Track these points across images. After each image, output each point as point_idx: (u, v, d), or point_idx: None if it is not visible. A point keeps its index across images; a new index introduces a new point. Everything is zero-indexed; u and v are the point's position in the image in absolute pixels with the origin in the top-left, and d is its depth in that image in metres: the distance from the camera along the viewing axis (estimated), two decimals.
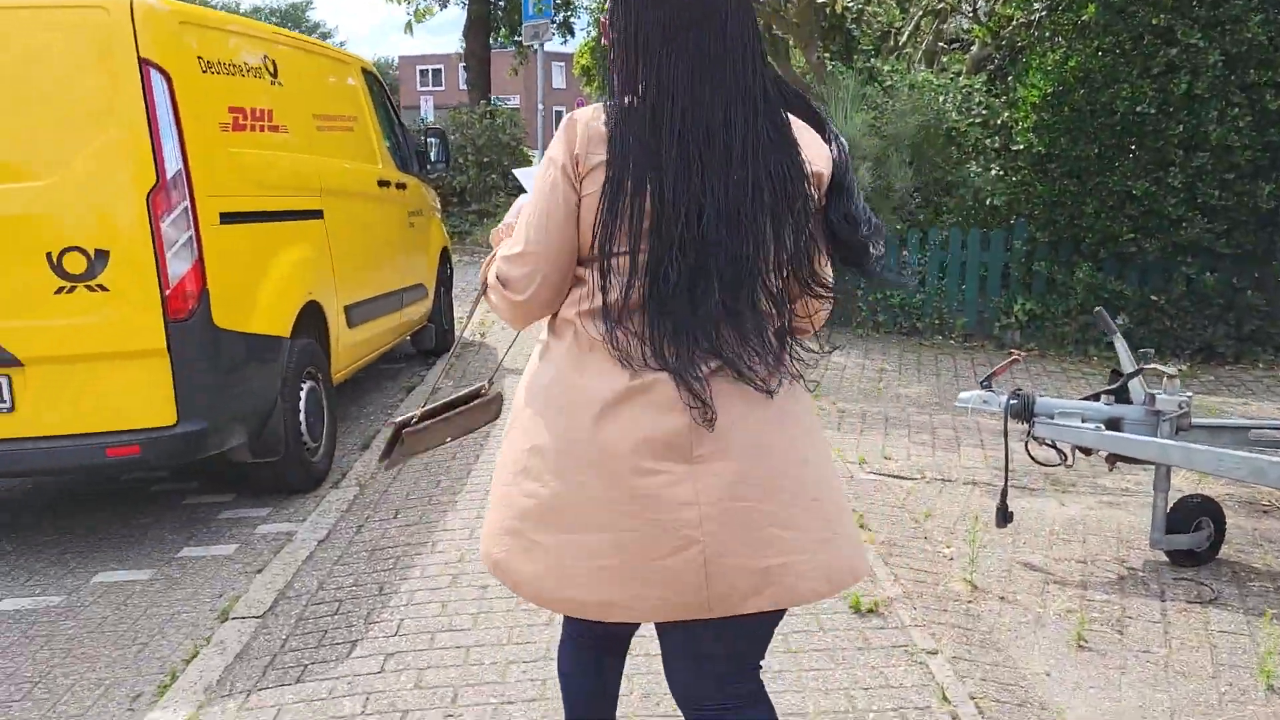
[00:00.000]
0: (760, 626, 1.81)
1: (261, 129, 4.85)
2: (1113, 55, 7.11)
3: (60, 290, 4.00)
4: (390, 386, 7.15)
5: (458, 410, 2.33)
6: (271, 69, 5.09)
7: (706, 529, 1.65)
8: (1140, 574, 3.84)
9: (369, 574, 3.89)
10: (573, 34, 22.89)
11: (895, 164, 7.55)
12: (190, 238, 4.13)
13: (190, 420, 4.19)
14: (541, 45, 14.34)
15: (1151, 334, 7.45)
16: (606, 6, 1.79)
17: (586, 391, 1.72)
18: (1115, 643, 3.31)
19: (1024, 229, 7.78)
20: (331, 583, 3.85)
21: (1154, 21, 6.93)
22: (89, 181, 4.04)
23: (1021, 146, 7.67)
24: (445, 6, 19.97)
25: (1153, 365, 3.93)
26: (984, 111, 7.95)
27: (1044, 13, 7.80)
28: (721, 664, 1.83)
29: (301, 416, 4.87)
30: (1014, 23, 8.47)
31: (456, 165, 14.66)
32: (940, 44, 9.37)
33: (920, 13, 9.60)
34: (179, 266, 4.11)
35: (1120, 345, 4.11)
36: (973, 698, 2.89)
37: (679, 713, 1.95)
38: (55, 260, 3.98)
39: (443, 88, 62.52)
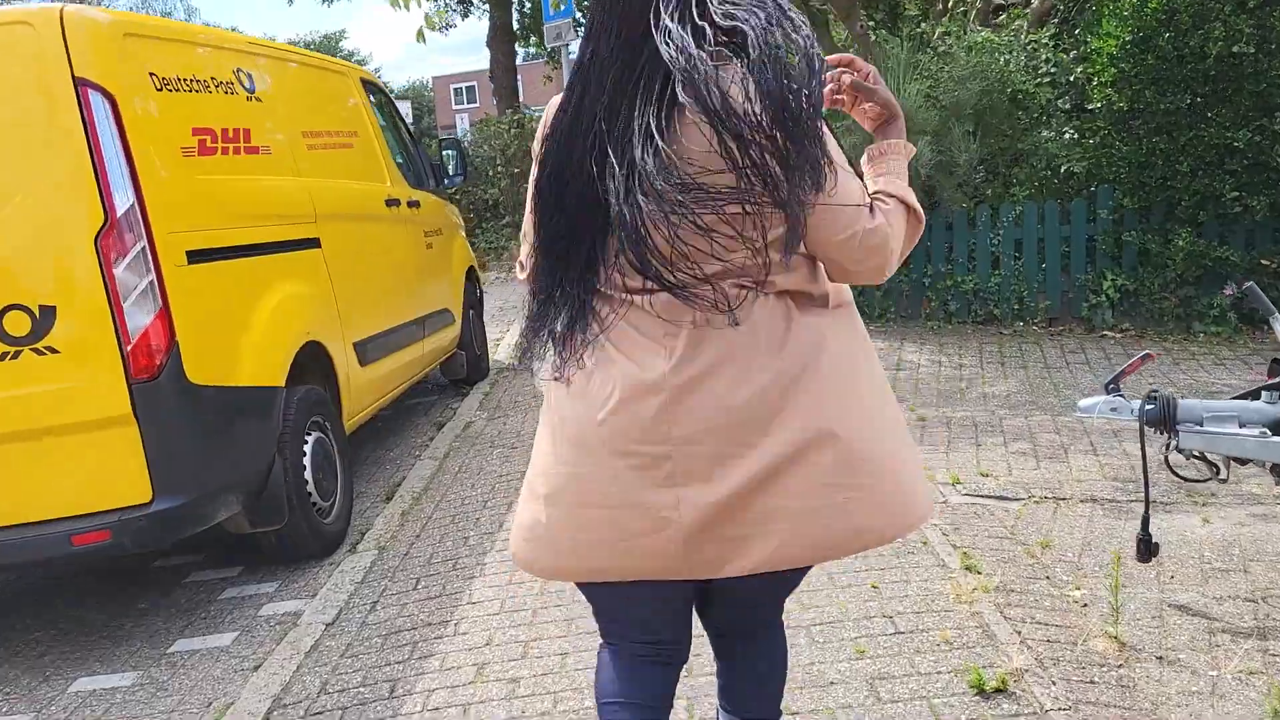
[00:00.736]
0: (765, 585, 1.80)
1: (236, 151, 4.25)
2: None
3: (3, 357, 3.43)
4: (420, 423, 6.54)
5: None
6: (247, 83, 4.49)
7: (683, 510, 1.65)
8: None
9: (380, 668, 3.26)
10: None
11: (957, 136, 6.78)
12: (151, 283, 3.53)
13: (168, 495, 3.59)
14: (566, 46, 13.68)
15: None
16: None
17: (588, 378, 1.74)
18: None
19: (1108, 196, 6.96)
20: (336, 682, 3.22)
21: None
22: (27, 227, 3.45)
23: (1099, 104, 6.86)
24: (466, 16, 19.44)
25: None
26: (1053, 70, 7.14)
27: None
28: (738, 610, 1.97)
29: (308, 474, 4.27)
30: None
31: (487, 178, 14.10)
32: (995, 1, 8.56)
33: None
34: (140, 318, 3.51)
35: None
36: None
37: None
38: None
39: (477, 104, 62.28)
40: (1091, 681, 2.76)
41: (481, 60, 17.38)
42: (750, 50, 1.51)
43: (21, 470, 3.48)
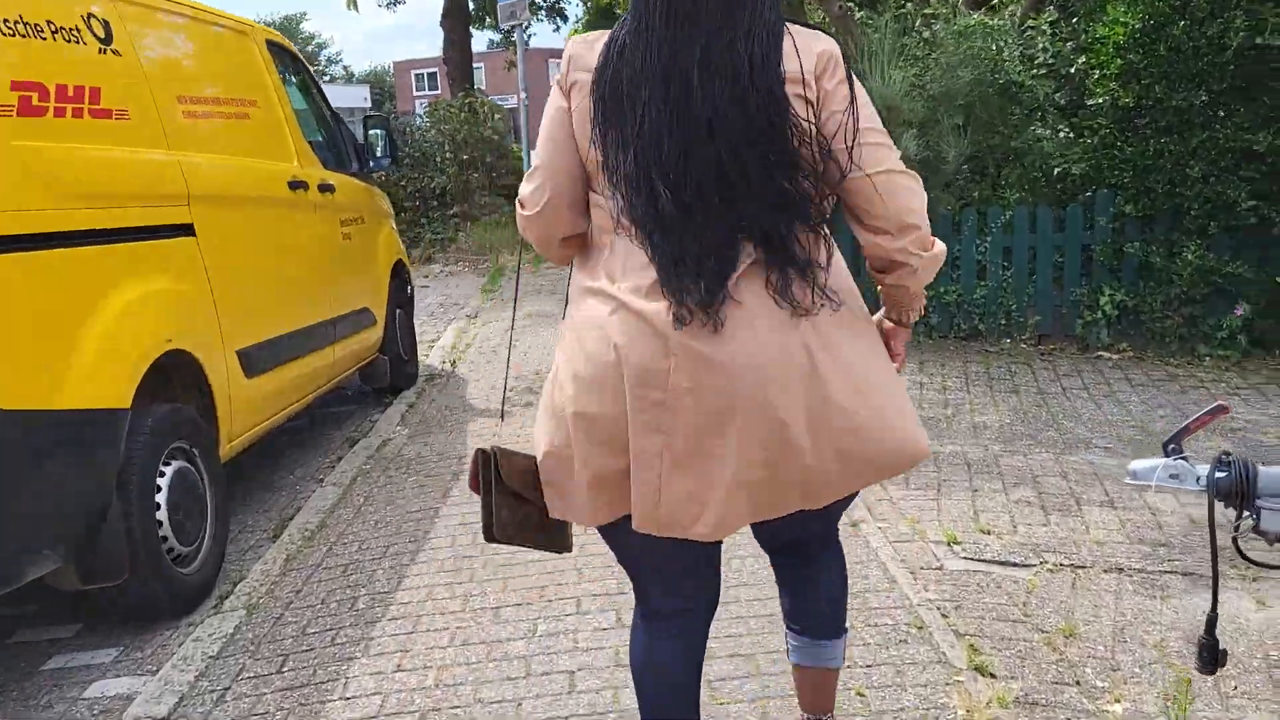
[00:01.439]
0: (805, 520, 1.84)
1: (78, 114, 3.42)
2: None
3: None
4: (332, 438, 5.73)
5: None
6: (101, 32, 3.66)
7: (665, 459, 1.70)
8: None
9: None
10: (564, 19, 21.45)
11: (946, 129, 6.08)
12: None
13: None
14: (522, 28, 12.88)
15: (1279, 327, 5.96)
16: None
17: (590, 317, 1.77)
18: None
19: (1108, 202, 6.30)
20: None
21: None
22: None
23: (1101, 100, 6.18)
24: None
25: None
26: (1051, 60, 6.45)
27: None
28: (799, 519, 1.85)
29: (162, 515, 3.46)
30: None
31: (435, 164, 13.23)
32: None
33: None
34: None
35: None
36: None
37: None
38: None
39: (439, 91, 61.01)
40: None
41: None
42: None
43: None
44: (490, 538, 1.96)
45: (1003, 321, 6.55)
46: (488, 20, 19.84)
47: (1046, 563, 3.40)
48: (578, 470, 1.77)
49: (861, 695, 2.62)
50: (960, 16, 6.33)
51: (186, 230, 3.87)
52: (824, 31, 1.78)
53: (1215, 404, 2.61)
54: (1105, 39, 5.96)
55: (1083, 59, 6.31)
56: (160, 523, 3.45)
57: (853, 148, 1.67)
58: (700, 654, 1.97)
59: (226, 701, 2.89)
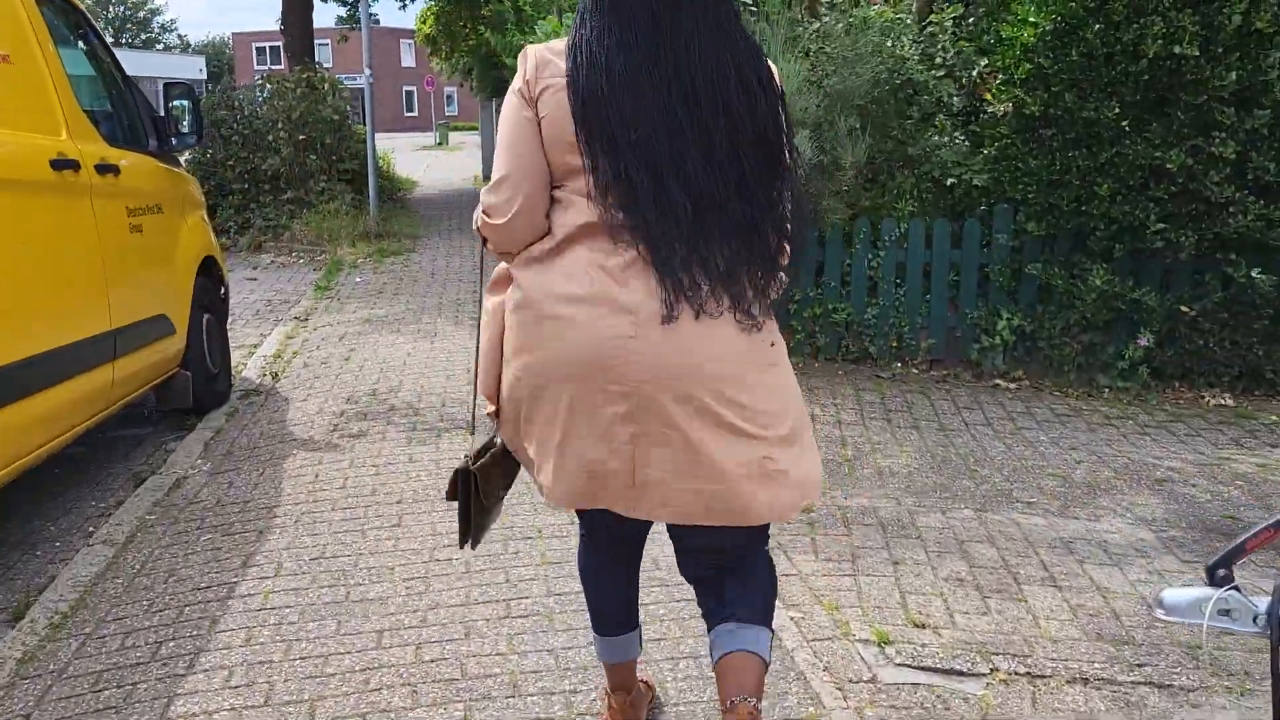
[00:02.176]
0: (731, 535, 1.93)
1: None
2: None
3: None
4: (114, 474, 4.70)
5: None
6: None
7: (639, 446, 1.78)
8: None
9: None
10: None
11: (841, 131, 5.47)
12: None
13: None
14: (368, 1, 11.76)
15: (1181, 356, 5.60)
16: None
17: (549, 305, 1.81)
18: None
19: (1007, 218, 5.82)
20: None
21: None
22: None
23: (1002, 106, 5.70)
24: None
25: None
26: (950, 61, 5.94)
27: None
28: (707, 556, 2.04)
29: None
30: None
31: (267, 144, 11.99)
32: None
33: None
34: None
35: None
36: None
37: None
38: None
39: (281, 66, 58.31)
40: None
41: None
42: None
43: None
44: (464, 545, 2.21)
45: (894, 344, 6.00)
46: None
47: (998, 670, 2.77)
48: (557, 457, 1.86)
49: None
50: (859, 8, 5.73)
51: None
52: None
53: (1276, 518, 1.99)
54: (1011, 40, 5.46)
55: (985, 61, 5.81)
56: None
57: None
58: (637, 566, 2.24)
59: None
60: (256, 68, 58.21)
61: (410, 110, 63.44)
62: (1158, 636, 2.95)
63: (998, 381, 5.80)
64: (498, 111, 19.42)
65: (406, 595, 3.20)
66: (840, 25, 5.77)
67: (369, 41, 11.94)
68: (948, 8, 6.02)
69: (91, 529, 4.04)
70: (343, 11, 22.76)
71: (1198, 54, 5.02)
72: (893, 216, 5.96)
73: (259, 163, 11.98)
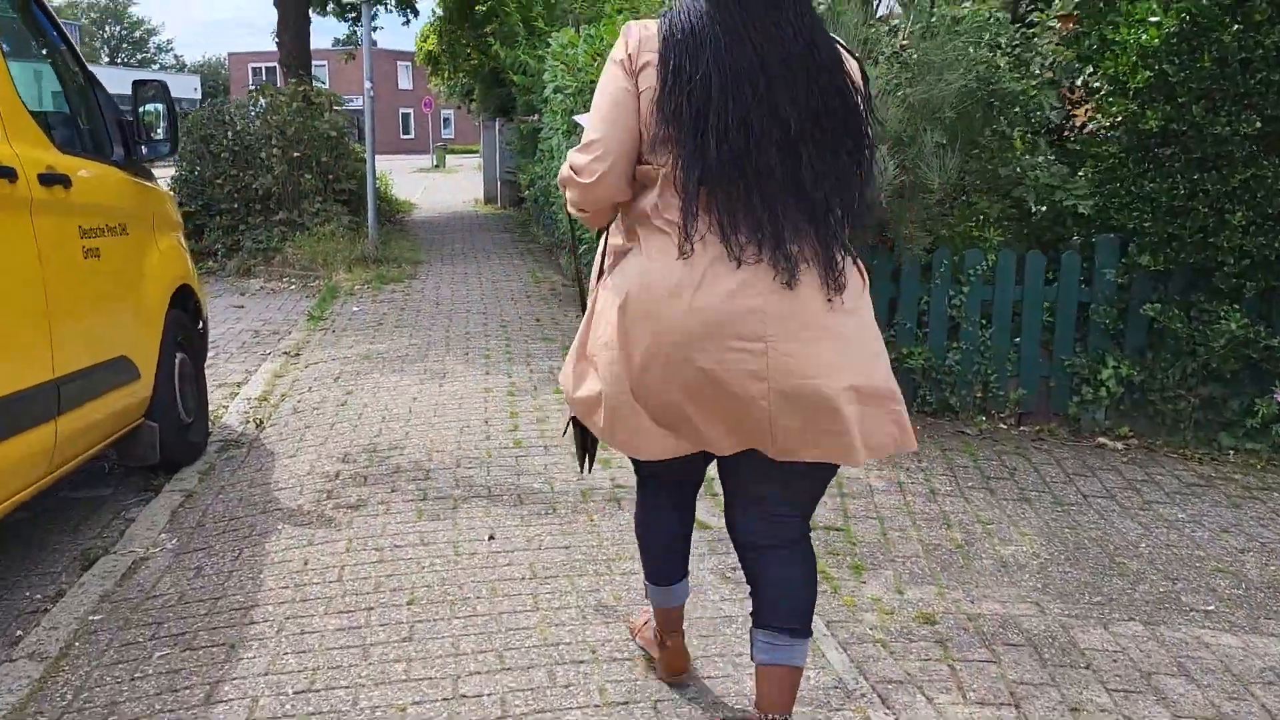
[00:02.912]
0: (807, 477, 2.07)
1: None
2: None
3: None
4: (54, 552, 3.85)
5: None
6: None
7: (773, 401, 1.89)
8: None
9: None
10: (415, 13, 19.51)
11: (928, 147, 4.67)
12: None
13: None
14: (368, 4, 10.99)
15: None
16: None
17: (667, 278, 1.92)
18: None
19: (1113, 251, 5.03)
20: None
21: None
22: None
23: (1114, 119, 4.92)
24: None
25: None
26: (1050, 68, 5.15)
27: None
28: (773, 507, 2.14)
29: None
30: None
31: (259, 161, 11.18)
32: None
33: None
34: None
35: None
36: None
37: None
38: None
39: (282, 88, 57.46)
40: None
41: None
42: None
43: None
44: (584, 469, 2.45)
45: (978, 394, 5.18)
46: (330, 5, 17.74)
47: None
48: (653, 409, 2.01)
49: None
50: (942, 4, 4.94)
51: None
52: None
53: None
54: (1126, 44, 4.67)
55: (1090, 70, 5.02)
56: None
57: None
58: (692, 515, 2.45)
59: None
60: (252, 89, 57.61)
61: (407, 132, 62.91)
62: None
63: (1102, 441, 4.98)
64: (500, 132, 18.75)
65: None
66: (918, 26, 4.98)
67: (369, 53, 11.15)
68: (1048, 10, 5.23)
69: (20, 632, 3.19)
70: (342, 29, 22.12)
71: None
72: (978, 246, 5.16)
73: (250, 181, 11.17)
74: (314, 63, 17.63)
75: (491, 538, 3.64)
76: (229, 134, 11.32)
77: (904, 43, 5.17)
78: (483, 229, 15.49)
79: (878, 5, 5.28)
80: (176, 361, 4.62)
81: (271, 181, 11.02)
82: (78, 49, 4.33)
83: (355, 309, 8.48)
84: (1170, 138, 4.74)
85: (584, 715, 2.51)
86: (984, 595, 3.27)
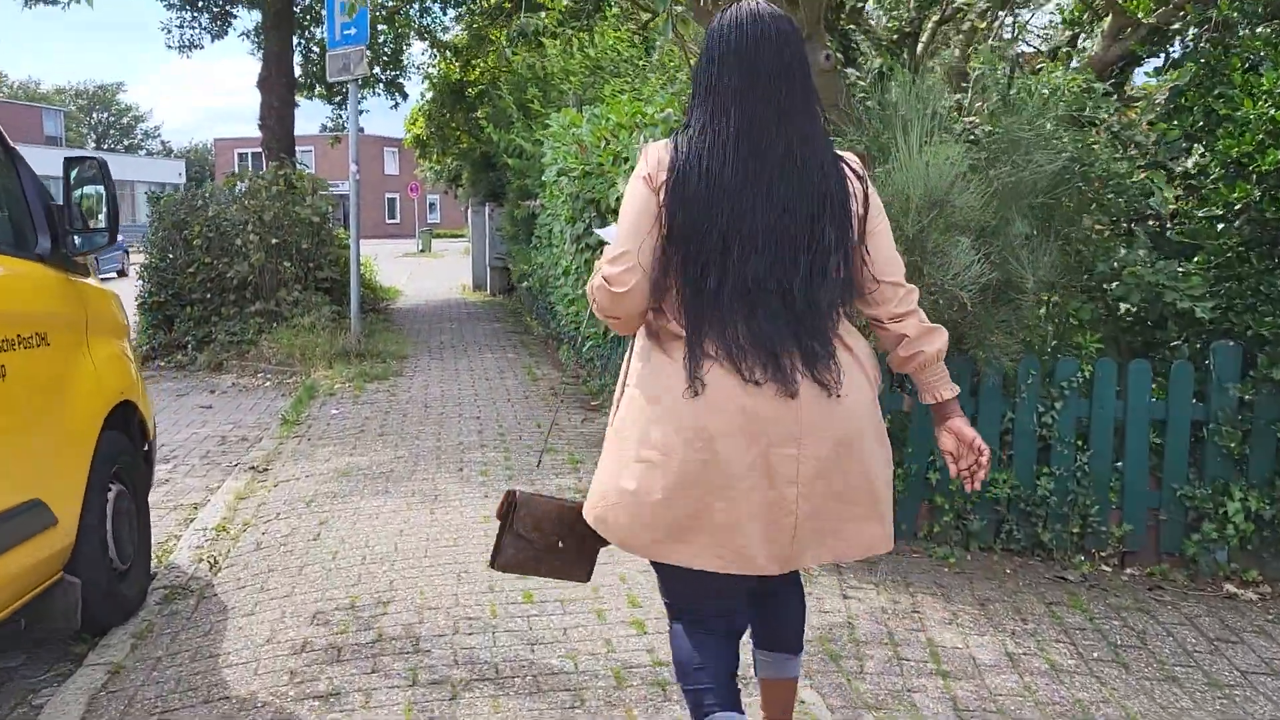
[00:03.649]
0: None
1: None
2: None
3: None
4: None
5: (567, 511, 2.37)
6: None
7: (801, 506, 2.02)
8: None
9: None
10: (404, 95, 19.04)
11: (1017, 239, 3.92)
12: None
13: None
14: (356, 82, 10.36)
15: None
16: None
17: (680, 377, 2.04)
18: None
19: (1233, 359, 4.26)
20: None
21: None
22: None
23: (1229, 207, 4.20)
24: (221, 36, 15.90)
25: None
26: (1153, 147, 4.44)
27: None
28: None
29: None
30: None
31: (235, 248, 10.43)
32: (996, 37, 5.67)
33: None
34: None
35: None
36: None
37: None
38: None
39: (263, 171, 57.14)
40: None
41: None
42: None
43: None
44: (492, 566, 2.34)
45: (1074, 530, 4.36)
46: (317, 89, 17.22)
47: None
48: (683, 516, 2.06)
49: None
50: (1027, 75, 4.24)
51: None
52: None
53: None
54: (1242, 119, 3.97)
55: (1198, 149, 4.31)
56: None
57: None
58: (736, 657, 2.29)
59: None
60: (231, 172, 57.44)
61: (392, 217, 62.66)
62: None
63: (1230, 588, 4.16)
64: (491, 217, 18.13)
65: None
66: (996, 100, 4.27)
67: (355, 134, 10.47)
68: (1156, 77, 4.53)
69: None
70: (329, 112, 21.71)
71: None
72: (1067, 357, 4.39)
73: (225, 269, 10.42)
74: (300, 148, 17.09)
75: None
76: (202, 219, 10.57)
77: (972, 119, 4.48)
78: (473, 318, 14.73)
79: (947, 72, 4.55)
80: (111, 497, 3.77)
81: (248, 269, 10.26)
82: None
83: (335, 411, 7.63)
84: None
85: None
86: None
